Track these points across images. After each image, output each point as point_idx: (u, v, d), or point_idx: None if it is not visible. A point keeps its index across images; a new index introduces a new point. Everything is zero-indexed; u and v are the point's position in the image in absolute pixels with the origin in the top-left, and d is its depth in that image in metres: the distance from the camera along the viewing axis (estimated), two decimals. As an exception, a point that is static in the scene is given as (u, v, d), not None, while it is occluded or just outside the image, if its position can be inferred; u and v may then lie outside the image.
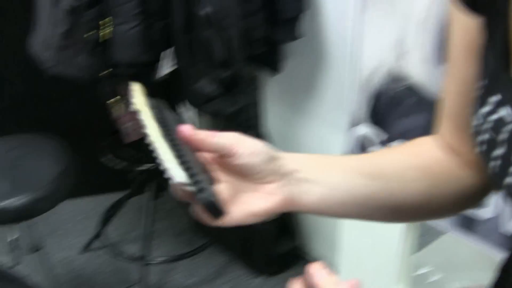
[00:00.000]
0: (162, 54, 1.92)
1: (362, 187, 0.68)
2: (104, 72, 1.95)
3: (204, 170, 0.61)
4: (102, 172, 2.60)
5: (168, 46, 1.90)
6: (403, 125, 1.47)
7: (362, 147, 1.58)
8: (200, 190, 0.56)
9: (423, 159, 0.71)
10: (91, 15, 1.81)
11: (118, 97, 2.08)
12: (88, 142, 2.60)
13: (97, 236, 2.55)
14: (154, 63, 1.94)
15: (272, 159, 0.63)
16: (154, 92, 2.06)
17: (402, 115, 1.46)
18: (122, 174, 2.43)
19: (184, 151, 0.60)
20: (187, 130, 0.60)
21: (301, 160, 0.67)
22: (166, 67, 1.95)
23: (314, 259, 2.44)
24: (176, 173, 0.55)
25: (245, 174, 0.63)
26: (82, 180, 2.03)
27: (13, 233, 1.75)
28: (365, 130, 1.54)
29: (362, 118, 1.55)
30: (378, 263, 1.64)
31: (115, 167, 2.27)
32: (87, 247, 2.57)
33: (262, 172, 0.63)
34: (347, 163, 0.70)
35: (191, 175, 0.56)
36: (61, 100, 2.57)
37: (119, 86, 2.06)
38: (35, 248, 1.85)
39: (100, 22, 1.82)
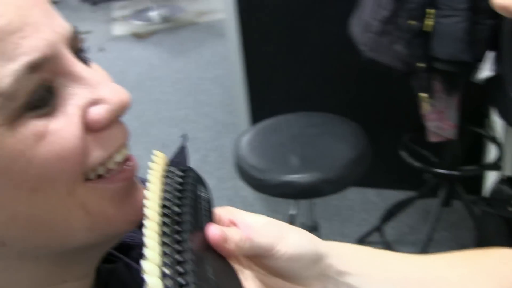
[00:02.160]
0: (484, 55, 1.86)
1: None
2: (420, 65, 1.96)
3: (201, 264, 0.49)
4: (394, 167, 2.64)
5: (492, 48, 1.83)
6: None
7: None
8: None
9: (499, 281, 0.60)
10: (417, 2, 1.82)
11: (429, 93, 2.08)
12: (386, 133, 2.65)
13: (374, 230, 2.61)
14: (474, 63, 1.89)
15: (317, 260, 0.57)
16: (467, 95, 2.05)
17: None
18: (415, 173, 2.43)
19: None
20: (216, 235, 0.52)
21: (352, 259, 0.61)
22: (485, 70, 1.88)
23: None
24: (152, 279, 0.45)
25: (281, 275, 0.58)
26: (372, 171, 2.10)
27: (293, 208, 1.89)
28: None
29: None
30: None
31: (410, 164, 2.29)
32: (362, 239, 2.65)
33: (302, 278, 0.57)
34: (403, 269, 0.64)
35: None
36: (368, 85, 2.66)
37: (433, 82, 2.05)
38: (311, 228, 1.98)
39: (426, 11, 1.83)
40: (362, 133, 1.92)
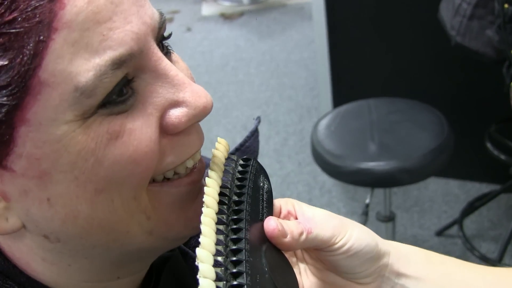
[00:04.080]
0: None
1: None
2: (514, 52, 1.86)
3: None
4: (479, 158, 2.53)
5: None
6: None
7: None
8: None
9: None
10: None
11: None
12: (472, 123, 2.54)
13: (454, 223, 2.51)
14: None
15: (376, 258, 0.55)
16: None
17: None
18: (500, 166, 2.32)
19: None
20: (274, 229, 0.50)
21: (412, 261, 0.57)
22: None
23: None
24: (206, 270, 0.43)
25: (337, 271, 0.56)
26: (456, 161, 2.01)
27: (370, 197, 1.83)
28: None
29: None
30: None
31: (496, 157, 2.18)
32: (440, 232, 2.55)
33: (358, 275, 0.55)
34: (467, 279, 0.58)
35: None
36: (456, 72, 2.55)
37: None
38: (387, 218, 1.91)
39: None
40: (446, 122, 1.83)
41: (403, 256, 0.58)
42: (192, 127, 0.49)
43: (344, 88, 2.87)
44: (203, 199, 0.48)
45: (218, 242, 0.46)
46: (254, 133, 0.69)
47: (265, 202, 0.54)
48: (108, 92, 0.42)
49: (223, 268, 0.43)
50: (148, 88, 0.46)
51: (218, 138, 0.57)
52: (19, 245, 0.49)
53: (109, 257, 0.50)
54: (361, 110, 1.99)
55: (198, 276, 0.42)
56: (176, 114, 0.47)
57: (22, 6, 0.39)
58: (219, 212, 0.49)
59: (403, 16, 2.56)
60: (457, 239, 2.49)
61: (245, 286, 0.43)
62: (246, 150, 0.67)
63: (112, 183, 0.44)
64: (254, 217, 0.51)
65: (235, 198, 0.52)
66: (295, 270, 0.58)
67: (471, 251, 2.38)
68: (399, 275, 0.57)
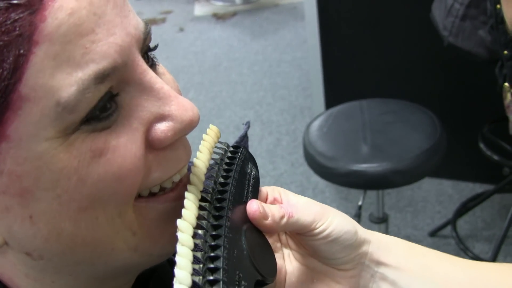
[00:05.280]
0: None
1: None
2: (506, 52, 1.85)
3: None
4: (473, 158, 2.52)
5: None
6: None
7: None
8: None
9: None
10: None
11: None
12: (465, 123, 2.54)
13: (448, 223, 2.50)
14: None
15: (356, 245, 0.56)
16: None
17: None
18: (494, 166, 2.32)
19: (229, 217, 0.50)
20: (256, 210, 0.52)
21: (392, 251, 0.58)
22: None
23: None
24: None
25: (318, 256, 0.57)
26: (450, 161, 1.99)
27: (363, 198, 1.82)
28: None
29: None
30: None
31: (489, 157, 2.17)
32: (435, 232, 2.54)
33: (339, 261, 0.57)
34: (446, 270, 0.59)
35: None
36: (448, 72, 2.54)
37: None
38: (380, 220, 1.90)
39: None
40: (439, 122, 1.82)
41: (384, 245, 0.58)
42: (179, 141, 0.48)
43: (337, 88, 2.86)
44: (190, 178, 0.50)
45: (199, 217, 0.47)
46: (244, 139, 0.68)
47: (251, 187, 0.56)
48: (91, 108, 0.41)
49: (202, 240, 0.45)
50: (133, 102, 0.44)
51: (210, 125, 0.58)
52: (2, 261, 0.48)
53: (93, 273, 0.49)
54: (354, 111, 1.97)
55: (177, 244, 0.43)
56: (161, 129, 0.45)
57: (1, 19, 0.37)
58: (203, 191, 0.50)
59: (396, 16, 2.55)
60: (450, 239, 2.49)
61: (222, 258, 0.44)
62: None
63: (96, 201, 0.43)
64: (238, 199, 0.52)
65: (221, 180, 0.53)
66: (279, 255, 0.60)
67: (464, 252, 2.38)
68: (379, 263, 0.58)
